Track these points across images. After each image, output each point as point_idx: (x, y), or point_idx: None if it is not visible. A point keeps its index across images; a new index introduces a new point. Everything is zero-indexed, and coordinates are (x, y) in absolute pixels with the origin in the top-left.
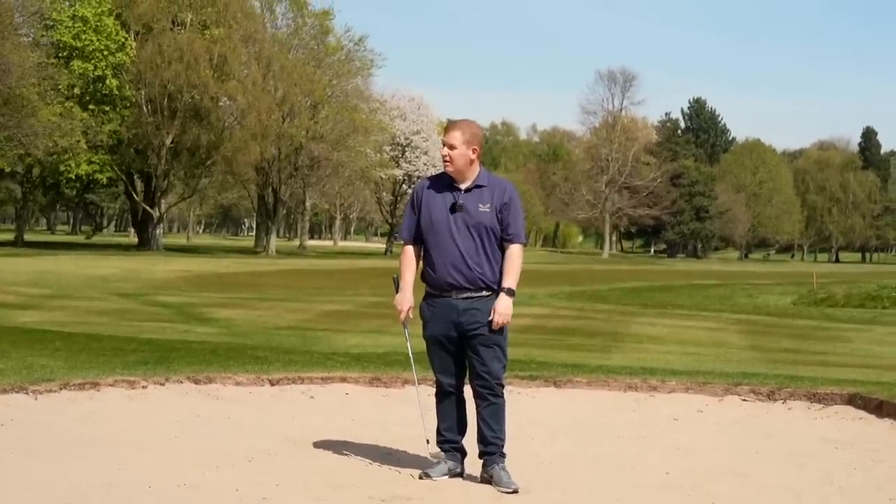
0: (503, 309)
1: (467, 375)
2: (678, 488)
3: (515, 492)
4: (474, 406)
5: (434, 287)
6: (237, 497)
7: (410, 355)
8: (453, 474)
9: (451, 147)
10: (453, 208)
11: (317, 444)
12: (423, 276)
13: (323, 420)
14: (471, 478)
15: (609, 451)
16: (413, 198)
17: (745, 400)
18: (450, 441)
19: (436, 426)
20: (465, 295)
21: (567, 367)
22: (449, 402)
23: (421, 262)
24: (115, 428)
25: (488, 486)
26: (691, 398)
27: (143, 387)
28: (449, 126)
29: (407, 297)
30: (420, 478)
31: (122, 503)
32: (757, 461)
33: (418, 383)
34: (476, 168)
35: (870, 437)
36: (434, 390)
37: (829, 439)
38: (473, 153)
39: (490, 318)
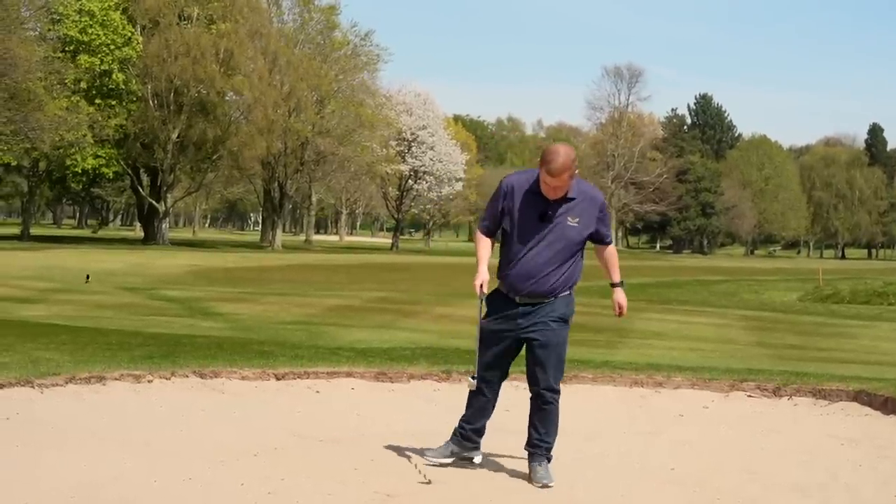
0: (623, 299)
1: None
2: (684, 484)
3: (545, 486)
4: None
5: (506, 286)
6: (242, 491)
7: (480, 317)
8: (460, 458)
9: (561, 188)
10: (542, 217)
11: (322, 439)
12: (499, 274)
13: (328, 415)
14: (471, 468)
15: (614, 447)
16: (500, 196)
17: (750, 396)
18: (460, 428)
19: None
20: (529, 300)
21: (572, 363)
22: (478, 399)
23: (500, 258)
24: (121, 422)
25: (492, 480)
26: (697, 394)
27: (149, 381)
28: (555, 169)
29: (482, 273)
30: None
31: (127, 497)
32: (762, 457)
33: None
34: None
35: (876, 433)
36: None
37: (834, 435)
38: (572, 178)
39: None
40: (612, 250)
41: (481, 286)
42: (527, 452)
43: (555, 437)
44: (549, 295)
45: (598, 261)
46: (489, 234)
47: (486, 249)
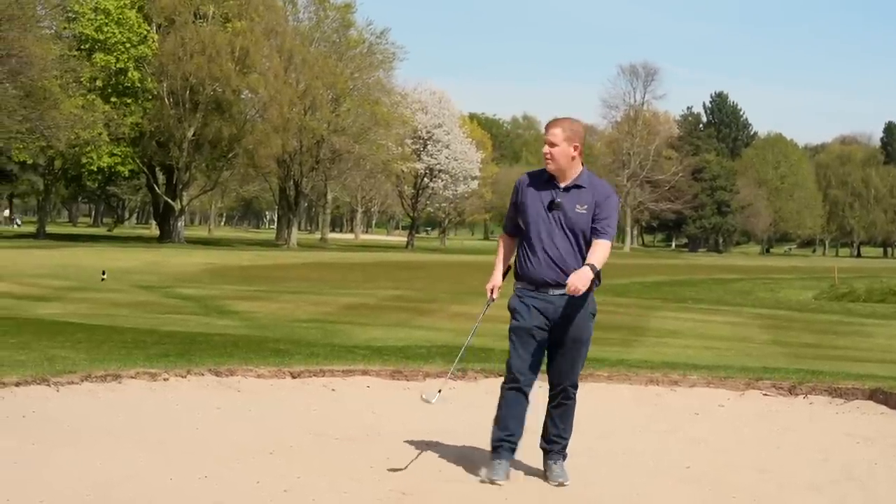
0: (578, 276)
1: (540, 373)
2: (699, 482)
3: (561, 485)
4: (546, 402)
5: (529, 283)
6: (258, 489)
7: (476, 325)
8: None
9: (553, 144)
10: (550, 206)
11: (338, 437)
12: (518, 271)
13: (344, 413)
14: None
15: (630, 445)
16: (515, 193)
17: (766, 394)
18: (507, 439)
19: (494, 421)
20: (560, 292)
21: (588, 361)
22: (515, 398)
23: (515, 255)
24: (137, 420)
25: (506, 479)
26: (712, 392)
27: (165, 379)
28: (550, 123)
29: (495, 277)
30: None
31: (143, 495)
32: (778, 456)
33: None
34: (578, 167)
35: (891, 431)
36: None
37: (850, 434)
38: (574, 150)
39: (578, 313)
40: (601, 243)
41: (492, 290)
42: (542, 449)
43: (571, 433)
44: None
45: None
46: (509, 234)
47: (503, 253)
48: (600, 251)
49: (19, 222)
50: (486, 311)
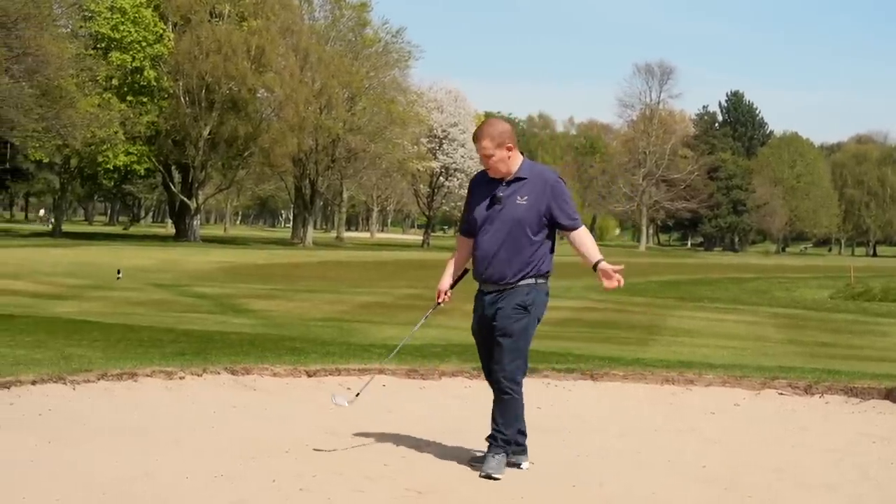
0: (608, 277)
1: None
2: (714, 482)
3: (488, 477)
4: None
5: (475, 279)
6: (274, 487)
7: (416, 327)
8: (507, 464)
9: (488, 157)
10: (492, 201)
11: (353, 436)
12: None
13: (359, 412)
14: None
15: (645, 445)
16: (468, 192)
17: (782, 394)
18: (493, 431)
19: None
20: (491, 289)
21: (604, 360)
22: (494, 395)
23: None
24: (153, 418)
25: (521, 478)
26: (728, 392)
27: (181, 377)
28: (475, 137)
29: (442, 281)
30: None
31: (159, 493)
32: (793, 455)
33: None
34: (517, 161)
35: None
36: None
37: (866, 433)
38: (508, 150)
39: (515, 307)
40: (582, 232)
41: (439, 294)
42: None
43: (515, 429)
44: (510, 281)
45: (575, 252)
46: (465, 234)
47: (456, 256)
48: (588, 241)
49: (53, 221)
50: (428, 314)
